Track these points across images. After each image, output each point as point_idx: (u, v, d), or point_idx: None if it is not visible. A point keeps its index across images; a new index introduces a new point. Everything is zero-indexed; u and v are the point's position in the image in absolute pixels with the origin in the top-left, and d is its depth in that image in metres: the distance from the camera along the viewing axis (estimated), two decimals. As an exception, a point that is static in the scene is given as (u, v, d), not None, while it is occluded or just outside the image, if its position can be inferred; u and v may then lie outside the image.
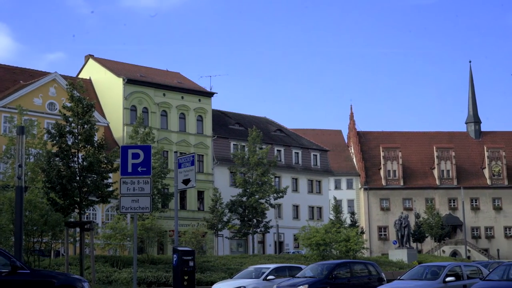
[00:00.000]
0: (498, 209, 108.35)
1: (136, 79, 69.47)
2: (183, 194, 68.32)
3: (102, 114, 66.75)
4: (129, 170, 21.42)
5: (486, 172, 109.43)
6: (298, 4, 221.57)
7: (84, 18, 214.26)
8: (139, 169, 21.38)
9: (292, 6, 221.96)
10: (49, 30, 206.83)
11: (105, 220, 58.94)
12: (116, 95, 68.44)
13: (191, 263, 24.16)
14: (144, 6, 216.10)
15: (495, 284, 22.52)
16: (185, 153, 59.88)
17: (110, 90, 69.31)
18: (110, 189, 32.51)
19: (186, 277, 23.91)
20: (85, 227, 30.82)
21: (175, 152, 34.35)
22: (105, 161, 32.23)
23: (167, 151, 67.59)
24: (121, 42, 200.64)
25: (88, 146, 31.96)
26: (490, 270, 25.90)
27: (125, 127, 66.68)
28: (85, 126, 32.03)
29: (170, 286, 31.14)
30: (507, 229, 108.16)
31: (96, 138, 33.11)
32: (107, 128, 65.40)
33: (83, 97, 32.85)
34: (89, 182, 31.55)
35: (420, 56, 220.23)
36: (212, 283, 32.01)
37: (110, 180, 34.17)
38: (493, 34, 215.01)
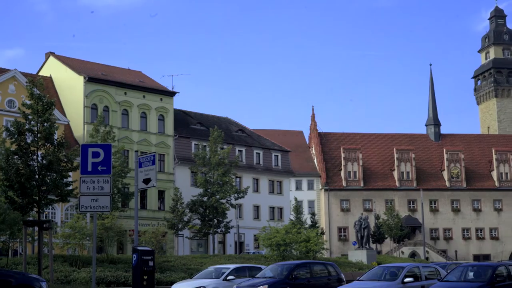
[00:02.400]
0: (456, 211, 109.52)
1: (97, 77, 68.94)
2: (143, 193, 68.00)
3: (63, 112, 66.18)
4: (89, 169, 21.29)
5: (445, 174, 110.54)
6: (260, 6, 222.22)
7: (43, 15, 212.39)
8: (99, 168, 21.27)
9: (254, 8, 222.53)
10: (8, 26, 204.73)
11: (64, 219, 58.47)
12: (77, 93, 67.87)
13: (150, 263, 24.05)
14: (103, 4, 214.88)
15: (453, 285, 22.82)
16: (146, 152, 59.57)
17: (70, 88, 68.71)
18: (70, 188, 32.26)
19: (145, 277, 23.79)
20: (44, 226, 30.55)
21: (136, 151, 34.04)
22: (65, 159, 31.98)
23: (127, 150, 67.19)
24: (82, 39, 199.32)
25: (48, 145, 31.68)
26: (448, 271, 26.22)
27: (85, 125, 66.17)
28: (45, 124, 31.72)
29: (129, 286, 30.98)
30: (465, 231, 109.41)
31: (56, 137, 32.83)
32: (68, 127, 64.83)
33: (43, 95, 32.54)
34: (48, 181, 31.27)
35: (381, 59, 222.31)
36: (172, 283, 31.91)
37: (69, 179, 33.93)
38: (453, 37, 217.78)
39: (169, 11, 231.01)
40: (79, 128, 66.58)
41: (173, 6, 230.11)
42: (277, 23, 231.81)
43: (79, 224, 39.93)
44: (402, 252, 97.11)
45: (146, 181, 24.34)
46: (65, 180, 32.11)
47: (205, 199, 64.14)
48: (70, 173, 33.97)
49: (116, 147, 56.70)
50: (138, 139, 70.26)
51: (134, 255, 24.25)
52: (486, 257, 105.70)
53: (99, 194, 21.23)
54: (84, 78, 67.42)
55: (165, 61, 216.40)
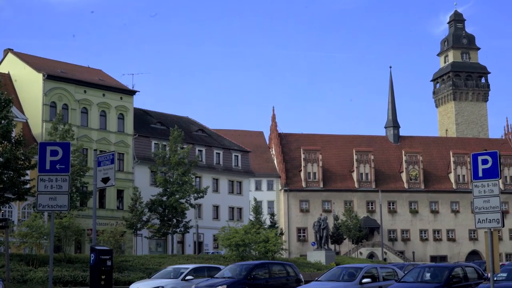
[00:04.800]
0: (414, 212, 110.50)
1: (56, 75, 68.26)
2: (102, 192, 67.52)
3: (21, 109, 65.45)
4: (47, 167, 21.03)
5: (404, 176, 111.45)
6: (221, 7, 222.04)
7: (0, 11, 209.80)
8: (57, 166, 21.01)
9: (217, 6, 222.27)
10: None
11: (21, 217, 57.77)
12: (36, 90, 67.14)
13: (108, 263, 23.94)
14: (62, 1, 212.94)
15: (410, 285, 23.07)
16: (105, 151, 59.17)
17: (29, 85, 67.95)
18: (27, 186, 31.96)
19: (103, 277, 23.68)
20: (0, 224, 30.21)
21: (95, 150, 34.00)
22: (23, 157, 31.71)
23: (87, 149, 66.63)
24: (41, 37, 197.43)
25: (5, 142, 31.39)
26: (405, 272, 26.47)
27: (44, 123, 65.49)
28: (3, 121, 31.43)
29: (87, 286, 30.74)
30: (423, 232, 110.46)
31: (13, 134, 32.54)
32: (26, 124, 64.11)
33: (0, 92, 32.19)
34: (5, 179, 30.97)
35: (341, 60, 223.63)
36: (130, 283, 31.76)
37: (27, 177, 33.61)
38: (413, 40, 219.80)
39: (128, 9, 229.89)
40: (38, 126, 65.87)
41: (134, 5, 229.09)
42: (238, 24, 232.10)
43: (37, 223, 39.45)
44: (360, 253, 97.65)
45: (105, 180, 24.18)
46: (22, 178, 31.81)
47: (164, 198, 63.87)
48: (28, 171, 33.68)
49: (75, 146, 56.29)
50: (97, 138, 69.75)
51: (92, 255, 24.10)
52: (443, 258, 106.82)
53: (57, 193, 20.99)
54: (43, 75, 66.73)
55: (125, 60, 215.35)
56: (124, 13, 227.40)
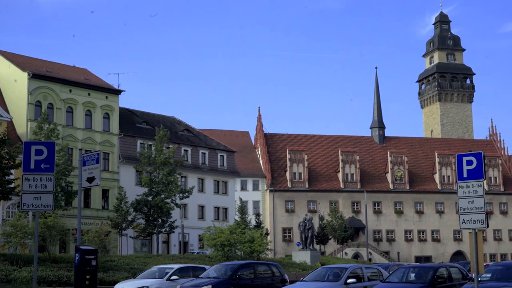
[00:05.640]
0: (399, 213, 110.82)
1: (41, 74, 67.97)
2: (87, 192, 67.27)
3: (6, 108, 65.17)
4: (32, 166, 20.95)
5: (389, 176, 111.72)
6: (207, 6, 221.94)
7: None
8: (42, 166, 20.93)
9: (202, 6, 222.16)
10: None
11: (5, 217, 57.56)
12: (21, 89, 66.83)
13: (93, 262, 23.87)
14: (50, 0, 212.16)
15: (394, 286, 23.15)
16: (90, 150, 58.95)
17: (14, 84, 67.63)
18: (12, 185, 31.80)
19: (88, 277, 23.61)
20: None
21: (80, 149, 33.59)
22: (7, 157, 31.58)
23: (72, 148, 66.42)
24: (26, 35, 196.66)
25: (-10, 141, 31.20)
26: (390, 273, 26.56)
27: (29, 122, 65.21)
28: (-13, 120, 31.24)
29: (71, 286, 30.63)
30: (408, 233, 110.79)
31: (-2, 133, 32.35)
32: (10, 123, 63.83)
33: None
34: (-11, 178, 30.77)
35: (327, 61, 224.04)
36: (115, 282, 31.69)
37: (12, 177, 33.45)
38: (398, 41, 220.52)
39: (113, 9, 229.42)
40: (22, 125, 65.59)
41: (118, 4, 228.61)
42: (225, 23, 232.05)
43: (21, 222, 39.27)
44: (346, 253, 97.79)
45: (90, 179, 24.10)
46: (6, 177, 31.65)
47: (149, 198, 63.79)
48: (12, 171, 33.55)
49: (60, 145, 56.11)
50: (83, 137, 69.52)
51: (77, 254, 24.02)
52: (428, 258, 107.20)
53: (42, 192, 20.90)
54: (28, 74, 66.42)
55: (111, 59, 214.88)
56: (108, 12, 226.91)
